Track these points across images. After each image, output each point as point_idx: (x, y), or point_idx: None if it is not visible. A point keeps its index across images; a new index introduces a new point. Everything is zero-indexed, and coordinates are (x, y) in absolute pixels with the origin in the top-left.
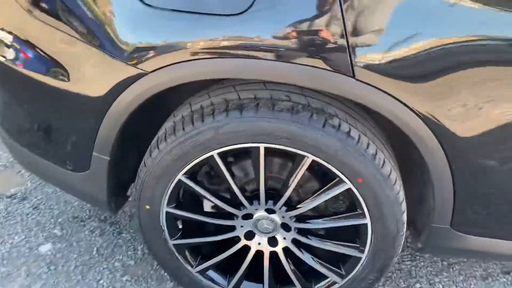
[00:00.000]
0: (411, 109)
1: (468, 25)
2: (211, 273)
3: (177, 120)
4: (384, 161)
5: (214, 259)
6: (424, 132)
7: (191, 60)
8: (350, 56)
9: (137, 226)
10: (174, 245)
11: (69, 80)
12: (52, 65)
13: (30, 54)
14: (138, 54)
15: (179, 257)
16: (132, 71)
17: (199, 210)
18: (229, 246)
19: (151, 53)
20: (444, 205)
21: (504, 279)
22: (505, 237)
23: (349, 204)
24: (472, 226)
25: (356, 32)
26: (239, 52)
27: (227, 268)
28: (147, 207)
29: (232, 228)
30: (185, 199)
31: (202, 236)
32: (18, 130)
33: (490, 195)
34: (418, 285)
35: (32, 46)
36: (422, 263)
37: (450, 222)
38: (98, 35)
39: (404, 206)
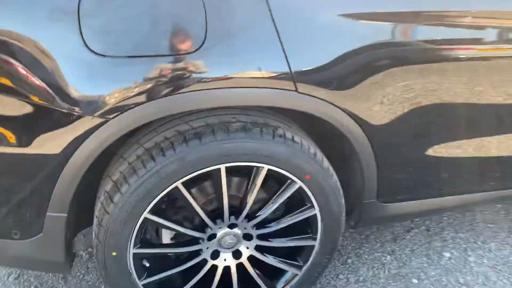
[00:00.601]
0: (343, 110)
1: (366, 38)
2: None
3: (133, 160)
4: (322, 157)
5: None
6: (353, 127)
7: (150, 100)
8: (292, 76)
9: (102, 276)
10: (143, 285)
11: (18, 144)
12: None
13: None
14: (97, 104)
15: None
16: (92, 122)
17: (164, 244)
18: (197, 271)
19: (111, 100)
20: (371, 182)
21: (409, 236)
22: (415, 197)
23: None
24: (391, 195)
25: (294, 59)
26: (197, 85)
27: None
28: (114, 254)
29: (198, 252)
30: (149, 236)
31: (170, 268)
32: None
33: (401, 166)
34: (349, 260)
35: None
36: (346, 242)
37: (376, 196)
38: (50, 93)
39: (341, 191)
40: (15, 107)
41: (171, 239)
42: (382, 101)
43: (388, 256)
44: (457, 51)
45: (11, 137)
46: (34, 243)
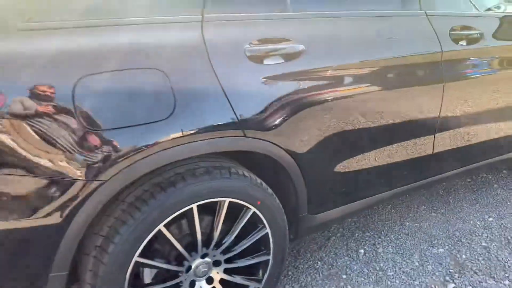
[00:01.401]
0: (277, 145)
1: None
2: None
3: (119, 214)
4: (265, 185)
5: None
6: (286, 156)
7: (136, 161)
8: (241, 125)
9: None
10: None
11: (26, 216)
12: None
13: None
14: (93, 169)
15: None
16: (91, 186)
17: (150, 283)
18: None
19: (106, 165)
20: (302, 199)
21: (329, 243)
22: (336, 206)
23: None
24: (317, 207)
25: (241, 114)
26: (170, 145)
27: None
28: None
29: (179, 285)
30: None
31: None
32: None
33: (322, 182)
34: (289, 272)
35: None
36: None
37: (307, 210)
38: (60, 167)
39: (283, 210)
40: (21, 184)
41: (152, 278)
42: (302, 136)
43: (319, 262)
44: (338, 94)
45: (16, 211)
46: None
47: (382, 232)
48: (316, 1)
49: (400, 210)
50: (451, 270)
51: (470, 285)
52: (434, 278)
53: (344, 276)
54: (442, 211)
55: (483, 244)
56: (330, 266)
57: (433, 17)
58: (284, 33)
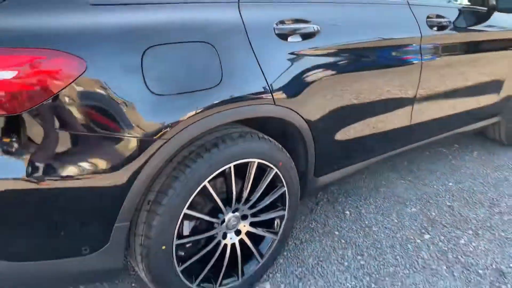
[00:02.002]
0: (298, 113)
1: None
2: (204, 284)
3: (172, 171)
4: (284, 150)
5: (207, 267)
6: (301, 122)
7: (193, 122)
8: (272, 94)
9: (147, 273)
10: (181, 270)
11: (101, 171)
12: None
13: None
14: (159, 129)
15: (184, 280)
16: (157, 144)
17: (194, 232)
18: (211, 254)
19: (170, 126)
20: (311, 163)
21: (319, 207)
22: (336, 169)
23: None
24: (321, 170)
25: (272, 84)
26: (219, 109)
27: (209, 278)
28: (164, 247)
29: (214, 237)
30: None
31: (196, 253)
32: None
33: (328, 147)
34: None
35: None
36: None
37: (313, 173)
38: (130, 127)
39: (296, 171)
40: (95, 142)
41: (190, 231)
42: (315, 106)
43: (313, 222)
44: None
45: (92, 165)
46: (101, 254)
47: (362, 197)
48: None
49: (374, 179)
50: (424, 225)
51: (442, 235)
52: (411, 231)
53: (336, 233)
54: (409, 179)
55: (447, 203)
56: (323, 226)
57: (413, 6)
58: (304, 15)
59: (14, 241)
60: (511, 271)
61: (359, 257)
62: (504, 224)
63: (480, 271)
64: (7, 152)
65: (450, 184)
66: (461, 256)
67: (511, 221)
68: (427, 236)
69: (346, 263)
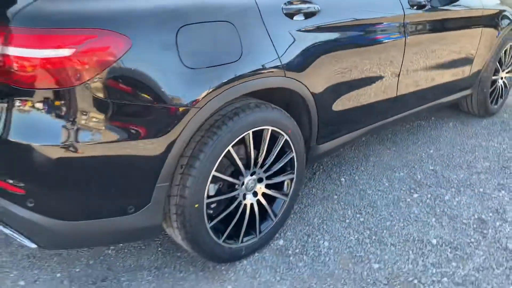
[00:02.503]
0: (304, 84)
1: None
2: (228, 240)
3: (200, 139)
4: (292, 118)
5: (230, 225)
6: (307, 92)
7: (220, 93)
8: (283, 68)
9: (182, 231)
10: (210, 227)
11: (145, 136)
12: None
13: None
14: (194, 99)
15: (213, 235)
16: (192, 111)
17: (219, 193)
18: (234, 214)
19: (202, 95)
20: (314, 131)
21: (316, 176)
22: (335, 137)
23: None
24: (322, 139)
25: (281, 58)
26: (240, 81)
27: (231, 235)
28: (196, 205)
29: (235, 197)
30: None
31: (222, 212)
32: (74, 203)
33: (329, 117)
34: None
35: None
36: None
37: (316, 141)
38: (169, 97)
39: (302, 138)
40: (141, 110)
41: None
42: (318, 78)
43: (313, 189)
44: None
45: (138, 132)
46: (144, 212)
47: (354, 166)
48: None
49: (363, 150)
50: (412, 186)
51: (429, 194)
52: (401, 192)
53: (335, 197)
54: (394, 148)
55: (431, 167)
56: (323, 191)
57: None
58: None
59: (70, 202)
60: (490, 219)
61: (358, 215)
62: (482, 182)
63: (464, 221)
64: (64, 122)
65: (431, 151)
66: (447, 210)
67: (487, 179)
68: (415, 195)
69: (347, 221)
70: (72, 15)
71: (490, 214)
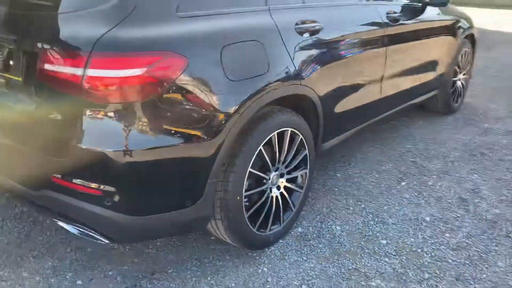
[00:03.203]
0: (313, 90)
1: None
2: (260, 229)
3: (240, 140)
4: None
5: (261, 215)
6: (315, 97)
7: (255, 100)
8: (299, 77)
9: (227, 217)
10: (247, 217)
11: (202, 141)
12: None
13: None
14: (236, 106)
15: (249, 224)
16: (235, 117)
17: (250, 188)
18: (263, 205)
19: (242, 103)
20: (320, 131)
21: (327, 169)
22: (335, 136)
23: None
24: (325, 138)
25: (298, 68)
26: (269, 90)
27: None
28: (238, 198)
29: (264, 190)
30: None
31: (254, 204)
32: (144, 202)
33: (331, 118)
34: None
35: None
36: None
37: (321, 140)
38: (218, 105)
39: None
40: (196, 118)
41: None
42: (323, 85)
43: (315, 185)
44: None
45: (194, 136)
46: (198, 206)
47: (346, 163)
48: None
49: (351, 150)
50: (399, 176)
51: (414, 181)
52: (391, 181)
53: (336, 189)
54: (376, 146)
55: (411, 160)
56: (323, 186)
57: (377, 5)
58: (313, 17)
59: (139, 199)
60: (468, 197)
61: (359, 203)
62: (457, 168)
63: (449, 200)
64: (133, 130)
65: (409, 146)
66: (432, 193)
67: (460, 166)
68: (403, 183)
69: (351, 208)
70: (141, 40)
71: (468, 194)
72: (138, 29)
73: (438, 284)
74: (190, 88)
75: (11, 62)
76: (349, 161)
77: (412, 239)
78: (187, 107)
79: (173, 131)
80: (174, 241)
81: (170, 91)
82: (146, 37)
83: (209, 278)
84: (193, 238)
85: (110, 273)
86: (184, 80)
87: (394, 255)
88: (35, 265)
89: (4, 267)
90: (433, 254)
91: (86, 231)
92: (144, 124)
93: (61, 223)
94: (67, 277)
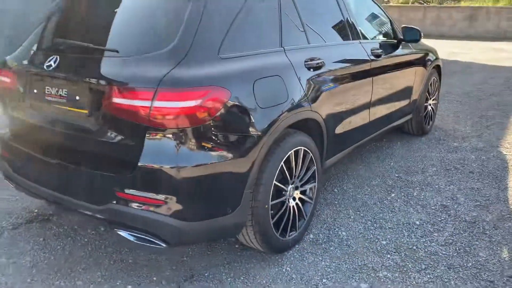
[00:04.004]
0: (319, 114)
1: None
2: (282, 233)
3: (267, 157)
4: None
5: (282, 222)
6: (321, 120)
7: (279, 124)
8: (309, 104)
9: (257, 223)
10: (272, 223)
11: (243, 157)
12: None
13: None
14: (266, 129)
15: (274, 230)
16: (264, 138)
17: (275, 197)
18: (284, 214)
19: (270, 126)
20: (324, 150)
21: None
22: (334, 154)
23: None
24: (326, 157)
25: (308, 96)
26: (288, 115)
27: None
28: (266, 206)
29: (284, 201)
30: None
31: (277, 213)
32: (199, 211)
33: (333, 138)
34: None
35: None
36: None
37: (325, 158)
38: (253, 128)
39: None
40: (237, 139)
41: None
42: (326, 110)
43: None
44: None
45: (236, 154)
46: (237, 213)
47: (340, 180)
48: (325, 37)
49: (342, 169)
50: (388, 188)
51: (402, 192)
52: (382, 193)
53: (336, 202)
54: (364, 164)
55: (396, 175)
56: (325, 200)
57: (364, 44)
58: (317, 55)
59: (192, 207)
60: (449, 204)
61: (358, 212)
62: (435, 181)
63: (433, 207)
64: (188, 150)
65: (392, 163)
66: (418, 202)
67: (438, 178)
68: (393, 195)
69: (352, 217)
70: (195, 78)
71: (448, 201)
72: (191, 69)
73: (434, 272)
74: (231, 114)
75: (77, 98)
76: (342, 178)
77: (407, 239)
78: (229, 130)
79: (218, 150)
80: (204, 250)
81: (216, 118)
82: (198, 75)
83: (242, 278)
84: (220, 248)
85: (154, 278)
86: (227, 108)
87: (394, 252)
88: (85, 275)
89: (59, 278)
90: (426, 250)
91: (145, 237)
92: (195, 145)
93: (120, 232)
94: (118, 283)
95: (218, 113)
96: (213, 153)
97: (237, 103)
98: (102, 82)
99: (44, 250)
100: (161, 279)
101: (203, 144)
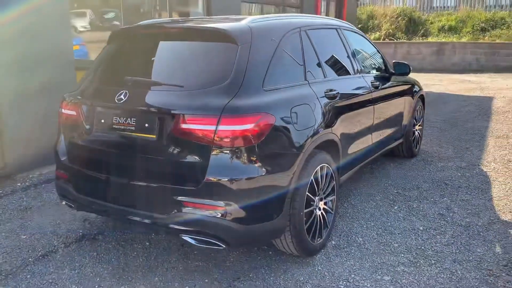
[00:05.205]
0: (336, 135)
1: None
2: (312, 238)
3: (301, 171)
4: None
5: (312, 229)
6: (338, 141)
7: (310, 143)
8: (330, 127)
9: (294, 227)
10: (305, 229)
11: (285, 170)
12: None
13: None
14: (302, 147)
15: (306, 235)
16: (302, 155)
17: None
18: (312, 221)
19: (304, 144)
20: (340, 166)
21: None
22: (347, 171)
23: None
24: (342, 173)
25: (329, 120)
26: (316, 138)
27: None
28: (301, 213)
29: (313, 211)
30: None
31: (308, 220)
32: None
33: (346, 155)
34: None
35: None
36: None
37: (340, 174)
38: (293, 146)
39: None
40: (281, 156)
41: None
42: (341, 131)
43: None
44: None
45: (281, 168)
46: (280, 218)
47: (346, 196)
48: (336, 72)
49: (346, 186)
50: (390, 202)
51: (403, 205)
52: (386, 207)
53: (348, 215)
54: (365, 183)
55: (395, 191)
56: (338, 213)
57: (365, 77)
58: (333, 87)
59: (247, 212)
60: (445, 212)
61: (369, 222)
62: (430, 195)
63: (432, 216)
64: (243, 165)
65: (389, 182)
66: (419, 212)
67: (432, 193)
68: (396, 207)
69: (365, 226)
70: (249, 106)
71: (444, 210)
72: (244, 99)
73: (443, 265)
74: (276, 135)
75: (146, 125)
76: (349, 195)
77: (415, 241)
78: (275, 148)
79: (266, 165)
80: (243, 257)
81: (265, 138)
82: (251, 104)
83: (282, 277)
84: (256, 254)
85: (206, 280)
86: (273, 130)
87: (406, 251)
88: (145, 281)
89: (123, 284)
90: (433, 249)
91: (207, 239)
92: (248, 161)
93: (184, 237)
94: (176, 285)
95: (267, 134)
96: (261, 167)
97: (281, 126)
98: (171, 111)
99: (101, 263)
100: (213, 280)
101: (253, 160)
